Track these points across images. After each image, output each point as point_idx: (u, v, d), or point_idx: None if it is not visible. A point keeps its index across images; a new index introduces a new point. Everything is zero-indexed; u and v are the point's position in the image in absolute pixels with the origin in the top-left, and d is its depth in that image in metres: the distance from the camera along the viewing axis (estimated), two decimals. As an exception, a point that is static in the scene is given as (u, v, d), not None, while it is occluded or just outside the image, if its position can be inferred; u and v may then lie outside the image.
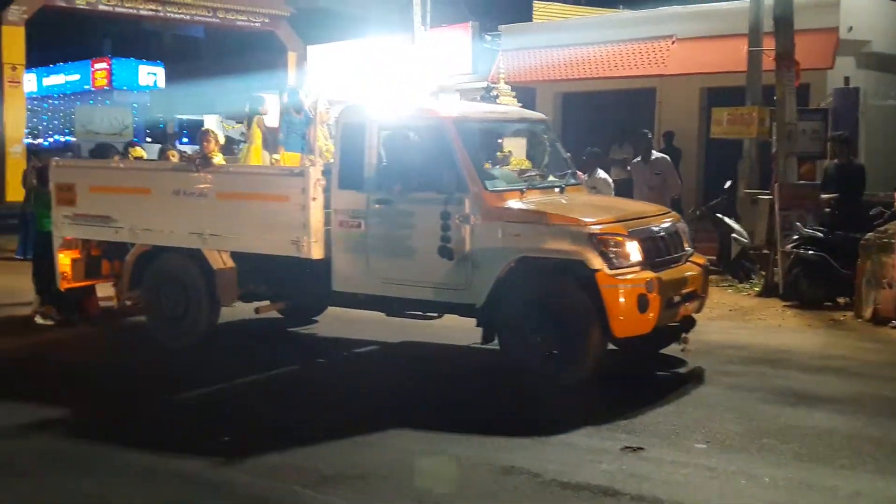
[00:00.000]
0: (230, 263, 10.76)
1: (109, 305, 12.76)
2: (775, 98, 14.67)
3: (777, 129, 14.75)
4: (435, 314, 10.01)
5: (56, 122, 36.90)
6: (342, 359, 10.94)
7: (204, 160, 11.06)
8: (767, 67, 15.74)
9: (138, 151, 15.04)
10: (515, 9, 25.58)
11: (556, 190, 10.08)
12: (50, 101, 37.95)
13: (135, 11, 27.37)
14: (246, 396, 9.24)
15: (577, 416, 8.08)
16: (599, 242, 8.69)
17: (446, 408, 8.66)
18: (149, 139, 30.83)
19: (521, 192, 9.55)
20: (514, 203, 9.30)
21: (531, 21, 23.96)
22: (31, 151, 26.18)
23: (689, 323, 9.74)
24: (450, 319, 9.96)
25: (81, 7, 26.30)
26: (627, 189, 15.38)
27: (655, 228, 9.36)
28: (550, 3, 24.79)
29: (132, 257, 11.40)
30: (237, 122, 24.89)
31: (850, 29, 17.92)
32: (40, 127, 36.83)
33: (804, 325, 12.17)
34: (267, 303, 11.15)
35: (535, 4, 24.35)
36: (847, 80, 16.91)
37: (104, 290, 12.89)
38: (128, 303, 12.04)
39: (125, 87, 36.11)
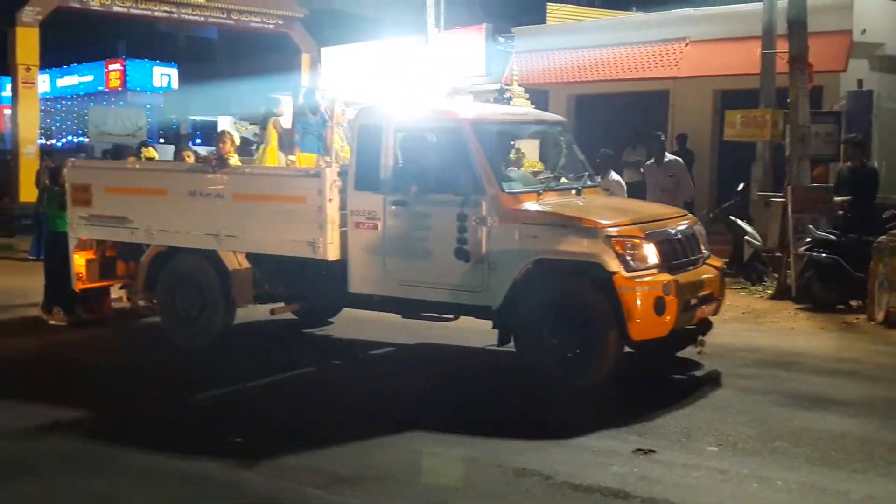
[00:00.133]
0: (245, 264, 10.78)
1: (123, 306, 12.77)
2: (788, 101, 14.69)
3: (790, 131, 14.77)
4: (451, 316, 10.02)
5: (69, 122, 36.97)
6: (357, 360, 10.95)
7: (220, 161, 11.09)
8: (781, 70, 15.79)
9: (150, 152, 15.12)
10: (529, 11, 25.59)
11: (573, 192, 10.05)
12: (64, 101, 38.00)
13: (149, 13, 27.35)
14: (260, 398, 9.27)
15: (589, 418, 8.12)
16: (616, 245, 8.68)
17: (460, 409, 8.69)
18: (162, 140, 30.96)
19: (538, 194, 9.54)
20: (531, 205, 9.31)
21: (544, 23, 23.94)
22: (45, 152, 26.26)
23: (705, 326, 9.72)
24: (466, 321, 9.98)
25: (96, 8, 26.28)
26: (640, 191, 15.39)
27: (672, 231, 9.34)
28: (564, 6, 24.78)
29: (147, 258, 11.42)
30: (250, 124, 24.97)
31: (864, 32, 17.89)
32: (54, 128, 36.90)
33: (817, 327, 12.16)
34: (282, 304, 11.15)
35: (549, 6, 24.33)
36: (860, 82, 16.93)
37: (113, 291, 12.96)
38: (141, 303, 12.10)
39: (139, 89, 36.19)
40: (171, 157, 18.50)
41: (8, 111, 31.11)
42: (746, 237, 15.05)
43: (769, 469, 6.95)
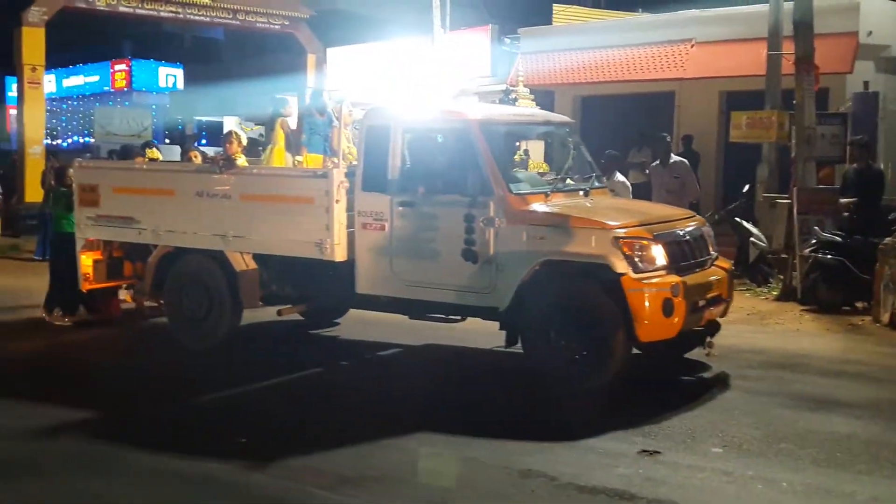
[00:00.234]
0: (253, 265, 10.79)
1: (131, 307, 12.78)
2: (794, 102, 14.71)
3: (796, 133, 14.78)
4: (458, 317, 10.01)
5: (75, 123, 36.99)
6: (364, 361, 10.96)
7: (227, 162, 11.11)
8: (787, 71, 15.78)
9: (154, 153, 15.14)
10: (535, 12, 25.62)
11: (581, 193, 10.04)
12: (69, 102, 38.06)
13: (155, 13, 27.37)
14: (267, 399, 9.29)
15: (594, 419, 8.14)
16: (624, 246, 8.67)
17: (466, 410, 8.71)
18: (167, 140, 31.00)
19: (546, 195, 9.54)
20: (539, 206, 9.30)
21: (550, 24, 23.96)
22: (50, 152, 26.33)
23: (713, 327, 9.71)
24: (473, 323, 9.99)
25: (102, 8, 26.29)
26: (645, 192, 15.39)
27: (680, 232, 9.33)
28: (570, 7, 24.76)
29: (155, 259, 11.43)
30: (256, 124, 25.03)
31: (870, 33, 17.89)
32: (59, 128, 36.93)
33: (822, 329, 12.16)
34: (289, 305, 11.16)
35: (555, 8, 24.32)
36: (866, 84, 16.92)
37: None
38: (146, 304, 12.13)
39: (144, 89, 36.26)
40: (174, 158, 18.61)
41: (14, 111, 31.24)
42: (752, 238, 15.05)
43: (774, 470, 6.96)
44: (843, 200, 13.49)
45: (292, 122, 12.62)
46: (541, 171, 12.25)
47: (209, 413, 8.85)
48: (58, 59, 33.12)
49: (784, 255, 14.44)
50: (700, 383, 9.54)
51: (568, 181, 10.21)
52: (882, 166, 14.94)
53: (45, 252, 17.53)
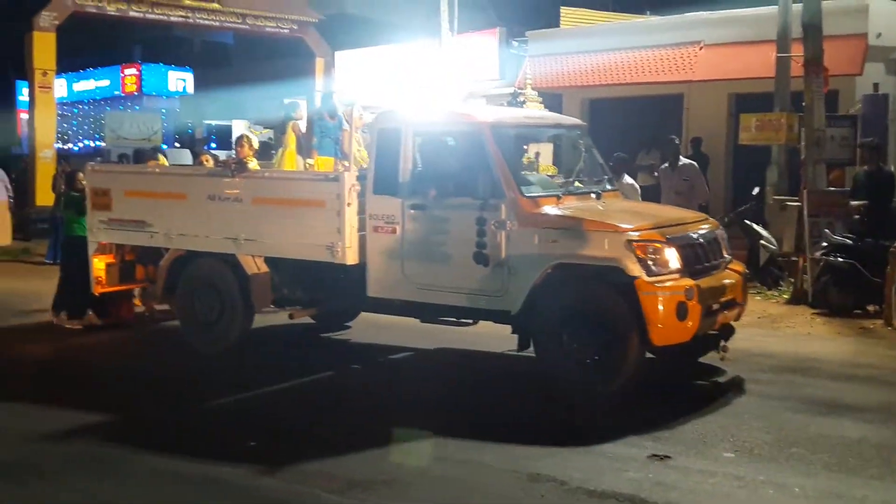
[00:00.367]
0: (264, 268, 10.81)
1: (143, 310, 12.82)
2: (804, 104, 14.69)
3: (806, 135, 14.76)
4: (469, 321, 10.00)
5: (86, 127, 37.10)
6: (376, 365, 10.98)
7: (239, 165, 11.14)
8: (796, 73, 15.76)
9: (160, 160, 15.17)
10: (543, 15, 25.58)
11: (593, 196, 10.02)
12: (80, 106, 38.16)
13: (165, 18, 27.48)
14: (278, 402, 9.30)
15: (605, 423, 8.16)
16: (638, 249, 8.63)
17: (477, 414, 8.71)
18: (177, 144, 31.09)
19: (558, 197, 9.52)
20: (551, 209, 9.28)
21: (558, 27, 23.93)
22: (61, 156, 26.40)
23: (728, 331, 9.65)
24: (484, 326, 9.97)
25: (112, 13, 26.41)
26: (655, 195, 15.40)
27: (694, 235, 9.30)
28: (578, 9, 24.72)
29: (166, 262, 11.45)
30: (265, 128, 25.08)
31: (879, 35, 17.84)
32: (70, 132, 37.06)
33: (833, 333, 12.14)
34: (300, 308, 11.18)
35: (563, 10, 24.29)
36: (876, 86, 16.88)
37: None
38: (157, 307, 12.16)
39: (154, 93, 36.35)
40: (183, 162, 18.66)
41: (25, 115, 31.36)
42: (762, 241, 15.05)
43: (785, 475, 6.95)
44: (853, 203, 13.47)
45: (302, 126, 12.65)
46: (549, 173, 12.23)
47: (219, 416, 8.87)
48: (68, 63, 33.25)
49: (794, 258, 14.42)
50: (710, 387, 9.50)
51: (577, 184, 10.18)
52: (893, 168, 14.90)
53: (56, 256, 17.57)
